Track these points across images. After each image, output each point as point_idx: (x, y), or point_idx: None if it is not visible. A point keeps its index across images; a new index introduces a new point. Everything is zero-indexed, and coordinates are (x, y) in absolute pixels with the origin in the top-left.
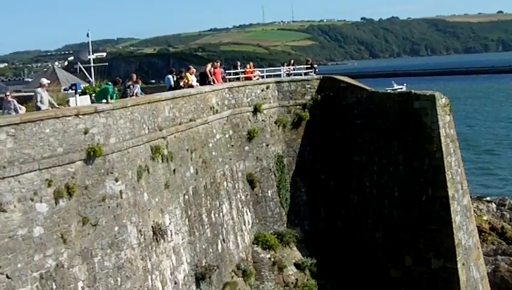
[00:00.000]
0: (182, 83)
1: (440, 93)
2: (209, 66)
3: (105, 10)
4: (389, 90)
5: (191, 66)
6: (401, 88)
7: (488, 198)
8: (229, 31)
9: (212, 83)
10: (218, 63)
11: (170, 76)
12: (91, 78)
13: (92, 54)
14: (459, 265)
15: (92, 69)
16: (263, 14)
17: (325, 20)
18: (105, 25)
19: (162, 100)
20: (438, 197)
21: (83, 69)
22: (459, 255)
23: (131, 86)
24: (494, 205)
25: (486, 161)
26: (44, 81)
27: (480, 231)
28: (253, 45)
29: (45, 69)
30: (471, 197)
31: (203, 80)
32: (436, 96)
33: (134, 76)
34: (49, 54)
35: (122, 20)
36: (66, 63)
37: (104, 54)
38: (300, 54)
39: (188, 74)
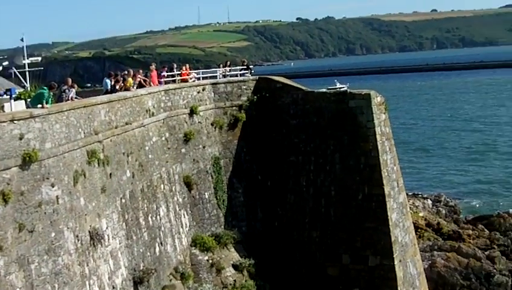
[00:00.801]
0: (117, 86)
1: (375, 92)
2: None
3: (40, 14)
4: (330, 89)
5: (133, 71)
6: (344, 87)
7: (423, 195)
8: (165, 33)
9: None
10: (154, 66)
11: (108, 80)
12: (26, 83)
13: (27, 58)
14: (396, 262)
15: (27, 73)
16: (199, 15)
17: (260, 21)
18: (40, 29)
19: (98, 104)
20: (374, 195)
21: (18, 74)
22: (396, 252)
23: (67, 91)
24: (429, 202)
25: (419, 158)
26: None
27: (417, 227)
28: (189, 46)
29: None
30: (407, 194)
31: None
32: (371, 95)
33: (70, 80)
34: None
35: (57, 24)
36: (0, 68)
37: (39, 59)
38: (236, 55)
39: (130, 78)
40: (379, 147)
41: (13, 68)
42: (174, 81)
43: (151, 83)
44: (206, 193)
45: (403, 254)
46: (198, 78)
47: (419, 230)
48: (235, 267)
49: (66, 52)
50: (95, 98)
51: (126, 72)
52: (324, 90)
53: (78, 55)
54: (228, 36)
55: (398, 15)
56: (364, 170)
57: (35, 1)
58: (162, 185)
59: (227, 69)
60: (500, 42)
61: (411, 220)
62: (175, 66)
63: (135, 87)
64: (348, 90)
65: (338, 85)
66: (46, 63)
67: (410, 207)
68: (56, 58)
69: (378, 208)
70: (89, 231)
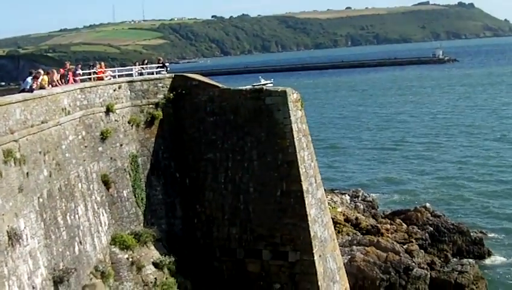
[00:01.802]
0: (34, 86)
1: (291, 89)
2: (56, 75)
3: None
4: (255, 86)
5: (54, 70)
6: (269, 83)
7: (341, 190)
8: (80, 31)
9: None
10: (68, 63)
11: (30, 79)
12: None
13: None
14: (315, 257)
15: None
16: (114, 13)
17: (175, 19)
18: None
19: (13, 103)
20: (292, 191)
21: None
22: (316, 248)
23: None
24: (347, 197)
25: (335, 155)
26: None
27: (335, 222)
28: (104, 44)
29: None
30: (325, 190)
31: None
32: (287, 92)
33: None
34: None
35: None
36: None
37: None
38: (152, 53)
39: (45, 76)
40: (296, 144)
41: None
42: (90, 79)
43: (68, 81)
44: (124, 191)
45: (322, 249)
46: (114, 76)
47: (338, 225)
48: (156, 265)
49: None
50: (9, 96)
51: (40, 71)
52: (241, 87)
53: None
54: (143, 34)
55: (313, 12)
56: (282, 167)
57: None
58: (79, 184)
59: (144, 66)
60: (413, 39)
61: (330, 215)
62: (97, 63)
63: (50, 86)
64: (264, 87)
65: (263, 81)
66: None
67: (328, 203)
68: None
69: (297, 204)
70: (7, 231)
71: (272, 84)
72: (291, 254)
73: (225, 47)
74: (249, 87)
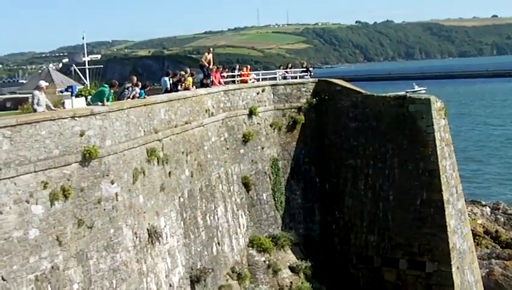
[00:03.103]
0: (179, 86)
1: (435, 97)
2: (206, 55)
3: (100, 12)
4: (408, 92)
5: (194, 72)
6: (422, 90)
7: (482, 202)
8: (224, 34)
9: (210, 75)
10: (219, 66)
11: (166, 78)
12: (86, 80)
13: (87, 56)
14: (453, 269)
15: (87, 71)
16: (258, 17)
17: (319, 24)
18: (100, 27)
19: (158, 103)
20: (433, 200)
21: (78, 71)
22: (454, 259)
23: (130, 89)
24: (488, 209)
25: (476, 165)
26: (43, 84)
27: (475, 234)
28: (248, 47)
29: (40, 71)
30: (465, 201)
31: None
32: (431, 100)
33: (135, 78)
34: (43, 55)
35: (117, 23)
36: (60, 65)
37: (99, 56)
38: (295, 57)
39: (189, 78)
40: (438, 153)
41: (73, 65)
42: (233, 81)
43: (213, 82)
44: (264, 194)
45: (460, 261)
46: (258, 80)
47: (477, 237)
48: (292, 269)
49: (125, 50)
50: (155, 96)
51: (183, 72)
52: (385, 94)
53: (138, 54)
54: (287, 38)
55: (458, 20)
56: (423, 175)
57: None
58: (220, 185)
59: (288, 70)
60: None
61: (469, 227)
62: (238, 66)
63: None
64: (408, 94)
65: (416, 88)
66: (106, 61)
67: (468, 214)
68: (115, 57)
69: (437, 213)
70: (148, 229)
71: (424, 91)
72: (428, 265)
73: (369, 53)
74: (392, 94)
